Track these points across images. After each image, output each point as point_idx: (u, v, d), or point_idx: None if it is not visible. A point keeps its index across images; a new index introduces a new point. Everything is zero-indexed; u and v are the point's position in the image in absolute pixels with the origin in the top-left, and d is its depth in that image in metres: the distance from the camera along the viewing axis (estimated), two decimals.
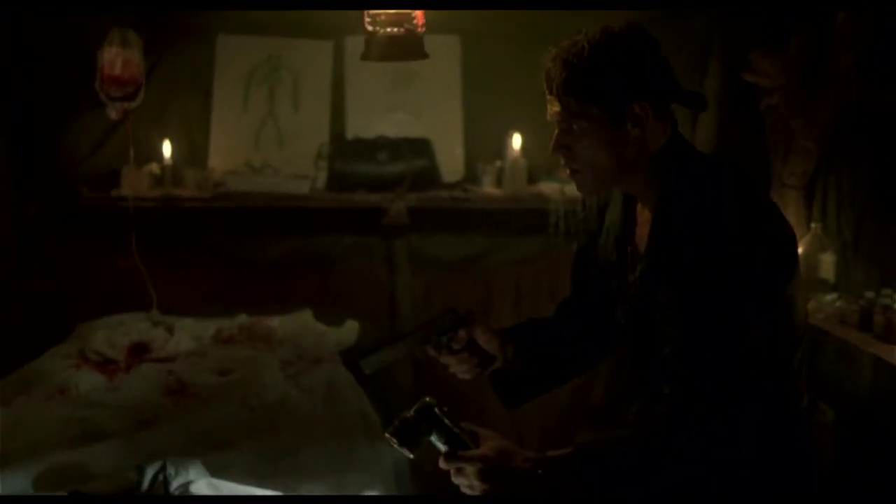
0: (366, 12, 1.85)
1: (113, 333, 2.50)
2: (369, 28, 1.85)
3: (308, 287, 3.27)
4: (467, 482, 1.36)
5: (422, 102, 3.32)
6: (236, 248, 3.26)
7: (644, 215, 1.51)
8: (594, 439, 1.40)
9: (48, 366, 2.32)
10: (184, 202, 3.10)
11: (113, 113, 2.70)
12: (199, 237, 3.21)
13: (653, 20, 2.77)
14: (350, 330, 2.73)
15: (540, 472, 1.33)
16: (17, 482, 1.60)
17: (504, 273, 3.48)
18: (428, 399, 1.41)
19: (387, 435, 1.38)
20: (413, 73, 3.31)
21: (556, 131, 1.47)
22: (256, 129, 3.28)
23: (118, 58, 2.58)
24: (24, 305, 2.93)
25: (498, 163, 3.32)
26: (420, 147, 3.22)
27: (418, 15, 1.90)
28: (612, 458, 1.35)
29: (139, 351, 2.43)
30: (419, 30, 1.89)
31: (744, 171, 1.49)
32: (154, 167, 3.10)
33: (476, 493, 1.36)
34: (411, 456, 1.42)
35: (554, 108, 1.46)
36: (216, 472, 1.62)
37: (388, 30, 1.85)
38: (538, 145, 3.20)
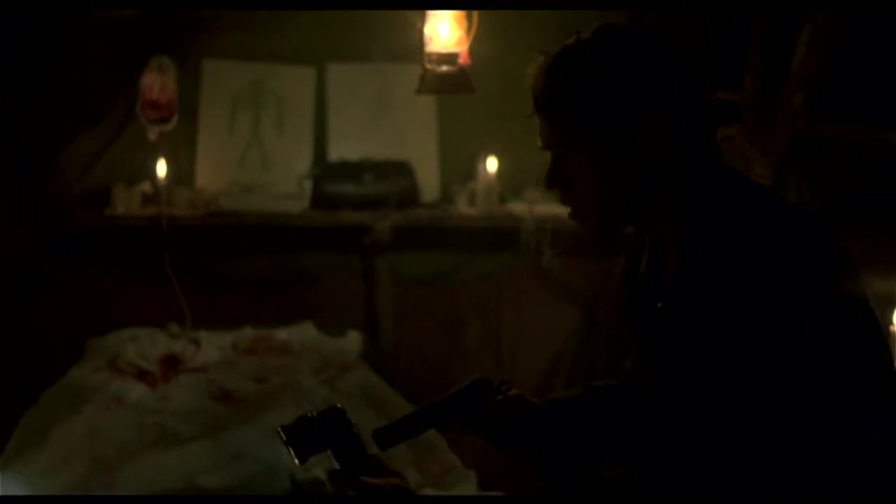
0: (425, 52, 2.07)
1: (143, 346, 2.61)
2: (427, 66, 2.08)
3: (290, 302, 3.42)
4: None
5: (400, 127, 3.53)
6: (224, 265, 3.39)
7: (672, 262, 1.22)
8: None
9: (87, 379, 2.41)
10: (177, 221, 3.20)
11: (151, 135, 2.81)
12: (189, 255, 3.32)
13: None
14: (354, 340, 2.92)
15: None
16: (132, 483, 1.73)
17: (471, 288, 3.73)
18: (339, 405, 1.23)
19: (278, 429, 1.19)
20: (391, 100, 3.53)
21: (549, 161, 1.20)
22: (242, 151, 3.42)
23: (156, 83, 2.70)
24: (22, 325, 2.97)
25: (470, 184, 3.56)
26: (402, 169, 3.44)
27: (463, 54, 2.14)
28: None
29: (172, 362, 2.55)
30: (464, 66, 2.13)
31: (798, 208, 1.20)
32: (146, 186, 3.19)
33: None
34: (297, 462, 1.21)
35: (543, 130, 1.19)
36: None
37: (443, 68, 2.08)
38: (507, 168, 3.50)
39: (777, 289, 1.07)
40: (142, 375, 2.46)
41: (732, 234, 1.11)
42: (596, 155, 1.17)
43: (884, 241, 2.78)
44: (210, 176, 3.37)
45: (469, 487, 1.77)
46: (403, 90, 3.53)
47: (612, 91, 1.14)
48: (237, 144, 3.41)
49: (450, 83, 2.11)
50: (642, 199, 1.18)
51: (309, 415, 1.19)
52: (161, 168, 3.17)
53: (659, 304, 1.22)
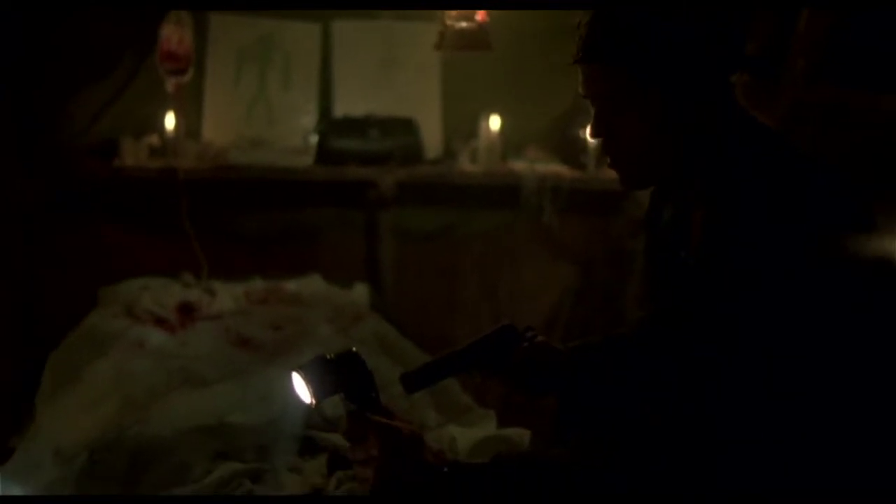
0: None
1: (158, 294, 2.66)
2: (447, 22, 2.12)
3: (295, 255, 3.47)
4: (363, 454, 1.18)
5: (404, 85, 3.57)
6: (230, 219, 3.43)
7: (699, 217, 1.21)
8: (517, 453, 1.28)
9: (107, 325, 2.46)
10: (184, 174, 3.22)
11: (169, 86, 2.84)
12: (195, 207, 3.35)
13: None
14: (361, 291, 2.98)
15: (446, 470, 1.15)
16: (164, 420, 1.79)
17: (472, 243, 3.80)
18: (355, 349, 1.26)
19: (294, 372, 1.21)
20: (396, 57, 3.56)
21: (594, 112, 1.23)
22: (248, 106, 3.45)
23: (174, 35, 2.73)
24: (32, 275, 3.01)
25: (472, 142, 3.61)
26: (406, 126, 3.48)
27: (480, 14, 2.18)
28: (530, 480, 1.13)
29: (187, 310, 2.60)
30: (483, 23, 2.17)
31: (823, 164, 1.19)
32: (154, 139, 3.21)
33: (365, 468, 1.18)
34: (310, 402, 1.23)
35: (590, 79, 1.21)
36: None
37: (462, 24, 2.12)
38: (509, 126, 3.55)
39: (805, 248, 1.09)
40: (159, 322, 2.51)
41: (761, 194, 1.13)
42: (647, 105, 1.18)
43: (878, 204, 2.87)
44: (216, 130, 3.40)
45: (489, 425, 1.85)
46: (408, 48, 3.58)
47: (676, 42, 1.15)
48: (243, 99, 3.44)
49: (469, 39, 2.15)
50: (682, 152, 1.20)
51: (328, 356, 1.21)
52: (170, 120, 3.19)
53: (682, 255, 1.22)
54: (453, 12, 2.12)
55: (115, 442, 1.67)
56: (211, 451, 1.69)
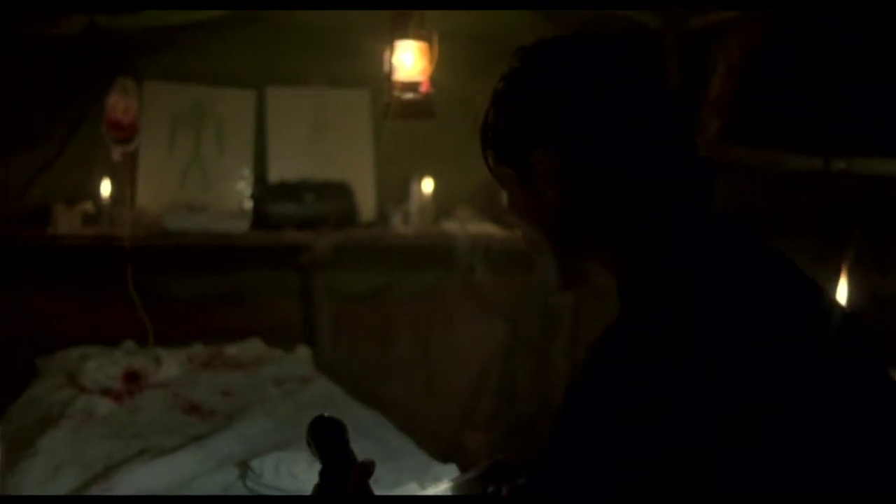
0: (391, 80, 2.22)
1: (102, 363, 2.63)
2: (394, 93, 2.23)
3: (231, 319, 3.48)
4: None
5: (337, 150, 3.66)
6: (165, 284, 3.41)
7: None
8: None
9: (52, 396, 2.42)
10: (119, 240, 3.21)
11: (116, 155, 2.84)
12: (131, 274, 3.33)
13: None
14: (304, 353, 3.00)
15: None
16: (129, 488, 1.79)
17: (405, 304, 3.87)
18: (327, 413, 1.24)
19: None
20: (329, 122, 3.65)
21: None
22: (182, 171, 3.48)
23: (119, 104, 2.75)
24: None
25: (405, 204, 3.71)
26: (341, 190, 3.56)
27: (424, 82, 2.30)
28: None
29: (133, 378, 2.58)
30: (427, 94, 2.28)
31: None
32: (88, 206, 3.20)
33: None
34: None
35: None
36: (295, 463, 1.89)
37: (408, 95, 2.23)
38: (440, 188, 3.66)
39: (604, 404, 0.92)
40: (105, 392, 2.49)
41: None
42: (513, 194, 1.09)
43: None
44: (151, 195, 3.40)
45: None
46: (340, 114, 3.69)
47: (505, 126, 1.08)
48: (178, 164, 3.47)
49: (414, 109, 2.26)
50: (573, 249, 1.06)
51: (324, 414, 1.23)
52: (105, 187, 3.19)
53: None
54: (399, 84, 2.22)
55: None
56: None
